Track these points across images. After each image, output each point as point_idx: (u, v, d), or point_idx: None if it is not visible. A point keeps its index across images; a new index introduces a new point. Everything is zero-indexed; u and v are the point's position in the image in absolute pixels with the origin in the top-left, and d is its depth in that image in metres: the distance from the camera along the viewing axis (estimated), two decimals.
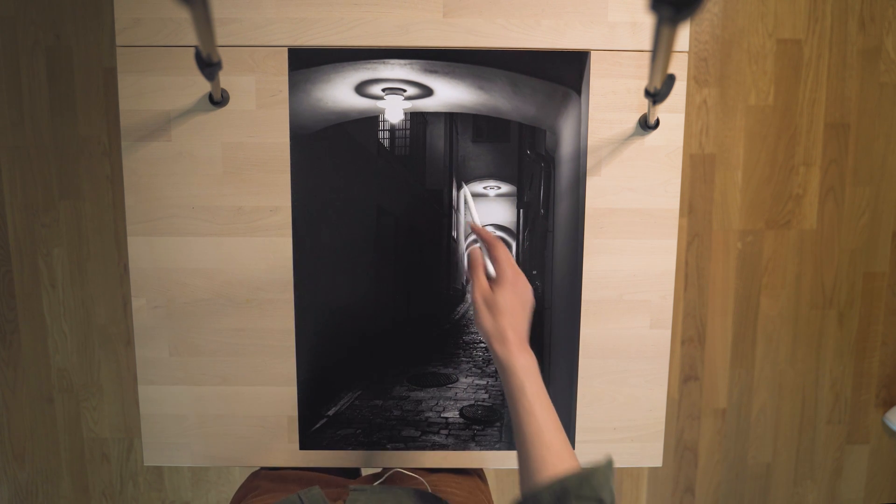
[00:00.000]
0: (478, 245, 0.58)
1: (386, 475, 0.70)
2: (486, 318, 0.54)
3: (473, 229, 0.60)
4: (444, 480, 0.71)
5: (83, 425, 1.48)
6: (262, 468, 0.76)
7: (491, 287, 0.55)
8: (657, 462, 0.75)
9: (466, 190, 0.62)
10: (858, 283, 1.48)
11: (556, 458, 0.48)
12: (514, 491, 1.53)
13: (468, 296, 0.73)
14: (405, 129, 0.69)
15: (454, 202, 0.71)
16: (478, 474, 0.78)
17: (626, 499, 1.55)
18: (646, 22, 0.68)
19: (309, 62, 0.68)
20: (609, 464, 0.47)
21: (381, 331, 0.72)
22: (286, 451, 0.74)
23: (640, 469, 1.55)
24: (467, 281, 0.59)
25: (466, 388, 0.73)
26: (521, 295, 0.55)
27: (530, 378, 0.51)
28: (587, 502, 0.44)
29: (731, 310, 1.48)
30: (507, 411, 0.73)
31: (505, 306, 0.53)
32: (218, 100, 0.67)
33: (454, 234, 0.72)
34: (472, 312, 0.73)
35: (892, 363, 1.52)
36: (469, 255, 0.58)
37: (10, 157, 1.37)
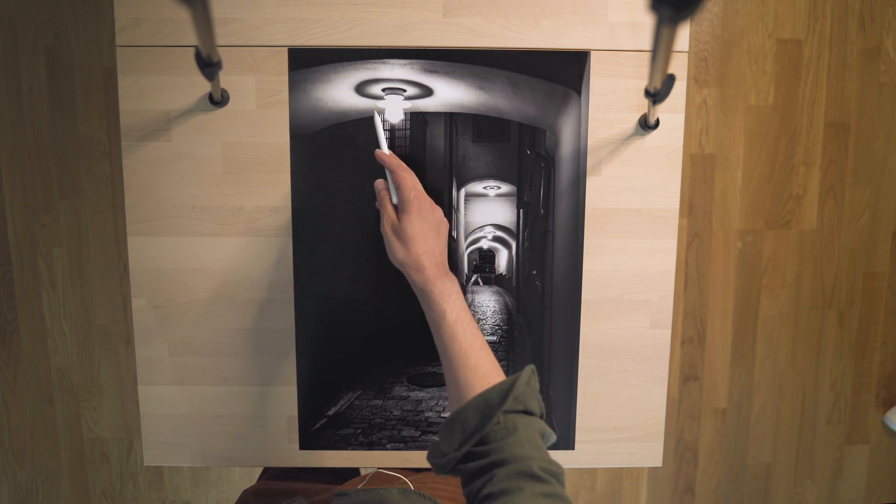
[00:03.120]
0: (381, 179, 0.56)
1: (368, 476, 0.70)
2: (398, 248, 0.52)
3: (378, 158, 0.57)
4: (429, 477, 0.71)
5: (83, 425, 1.48)
6: (263, 474, 0.75)
7: (398, 217, 0.53)
8: (657, 462, 0.75)
9: (377, 115, 0.60)
10: (858, 283, 1.48)
11: (482, 380, 0.46)
12: None
13: (468, 296, 0.73)
14: (405, 129, 0.69)
15: (454, 202, 0.71)
16: None
17: (626, 499, 1.55)
18: (646, 22, 0.68)
19: (309, 62, 0.68)
20: (530, 371, 0.46)
21: (381, 331, 0.72)
22: (286, 451, 0.74)
23: (640, 469, 1.55)
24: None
25: None
26: (430, 219, 0.53)
27: (450, 302, 0.50)
28: (514, 414, 0.43)
29: (731, 310, 1.48)
30: None
31: (415, 233, 0.52)
32: (218, 100, 0.67)
33: (454, 234, 0.72)
34: (471, 312, 0.73)
35: (892, 363, 1.52)
36: (375, 186, 0.56)
37: (10, 157, 1.37)
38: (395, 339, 0.73)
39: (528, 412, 0.44)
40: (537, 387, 0.46)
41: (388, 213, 0.54)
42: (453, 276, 0.52)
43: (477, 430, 0.43)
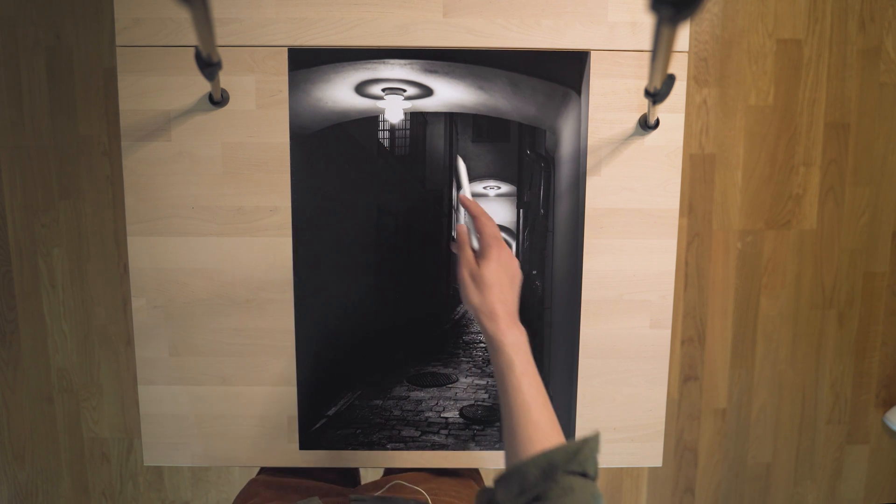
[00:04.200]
0: (463, 223, 0.57)
1: (388, 486, 0.70)
2: (473, 293, 0.53)
3: (461, 201, 0.58)
4: (444, 490, 0.71)
5: (83, 425, 1.48)
6: (261, 474, 0.76)
7: (477, 261, 0.54)
8: (657, 462, 0.75)
9: (461, 161, 0.61)
10: (858, 283, 1.48)
11: (544, 437, 0.47)
12: None
13: None
14: (405, 129, 0.69)
15: (454, 202, 0.71)
16: (475, 480, 0.78)
17: (626, 499, 1.55)
18: (646, 22, 0.68)
19: (309, 62, 0.68)
20: (596, 437, 0.46)
21: (381, 331, 0.72)
22: (286, 451, 0.74)
23: (640, 469, 1.55)
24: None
25: (466, 388, 0.73)
26: (508, 268, 0.54)
27: (519, 354, 0.50)
28: (573, 476, 0.43)
29: (731, 310, 1.48)
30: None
31: (492, 280, 0.52)
32: (218, 100, 0.67)
33: (454, 234, 0.72)
34: (471, 312, 0.73)
35: (892, 363, 1.52)
36: (456, 231, 0.57)
37: (10, 157, 1.37)
38: (395, 339, 0.73)
39: (585, 474, 0.45)
40: (598, 451, 0.47)
41: (468, 258, 0.54)
42: (523, 328, 0.53)
43: (536, 486, 0.44)
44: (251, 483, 0.73)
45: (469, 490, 0.73)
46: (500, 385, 0.51)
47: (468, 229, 0.57)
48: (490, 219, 0.56)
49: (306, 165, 0.69)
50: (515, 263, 0.55)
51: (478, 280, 0.53)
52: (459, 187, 0.59)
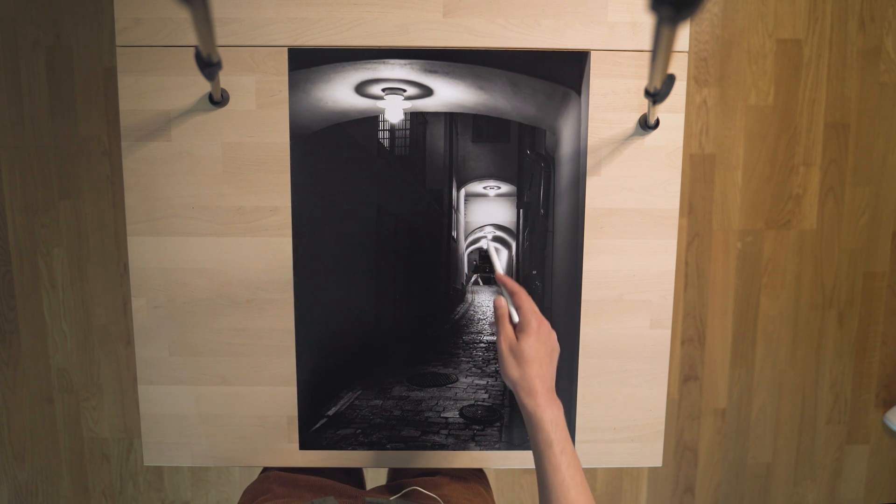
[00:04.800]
0: (501, 294, 0.58)
1: (403, 491, 0.70)
2: (512, 367, 0.53)
3: (498, 279, 0.59)
4: (456, 498, 0.70)
5: (83, 425, 1.48)
6: (272, 470, 0.75)
7: (516, 336, 0.54)
8: (657, 462, 0.75)
9: (490, 242, 0.63)
10: (858, 283, 1.48)
11: None
12: (514, 491, 1.53)
13: (468, 296, 0.73)
14: (405, 129, 0.69)
15: (454, 202, 0.71)
16: (483, 487, 0.77)
17: (626, 499, 1.55)
18: (646, 22, 0.68)
19: (309, 62, 0.68)
20: None
21: (381, 330, 0.72)
22: (286, 451, 0.74)
23: (640, 469, 1.55)
24: (492, 331, 0.58)
25: (466, 388, 0.73)
26: (547, 343, 0.54)
27: (559, 432, 0.51)
28: None
29: (731, 310, 1.48)
30: (506, 411, 0.73)
31: (531, 355, 0.52)
32: (218, 100, 0.67)
33: (454, 234, 0.72)
34: (471, 312, 0.73)
35: (892, 363, 1.52)
36: (494, 305, 0.57)
37: (10, 157, 1.37)
38: (395, 339, 0.73)
39: None
40: None
41: (507, 332, 0.55)
42: (560, 403, 0.53)
43: None
44: (263, 479, 0.73)
45: (480, 499, 0.73)
46: (537, 461, 0.51)
47: (507, 303, 0.57)
48: (526, 293, 0.56)
49: (306, 165, 0.69)
50: (554, 337, 0.56)
51: (518, 355, 0.53)
52: (493, 269, 0.61)
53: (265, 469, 0.79)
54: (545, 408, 0.51)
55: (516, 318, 0.56)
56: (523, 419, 0.54)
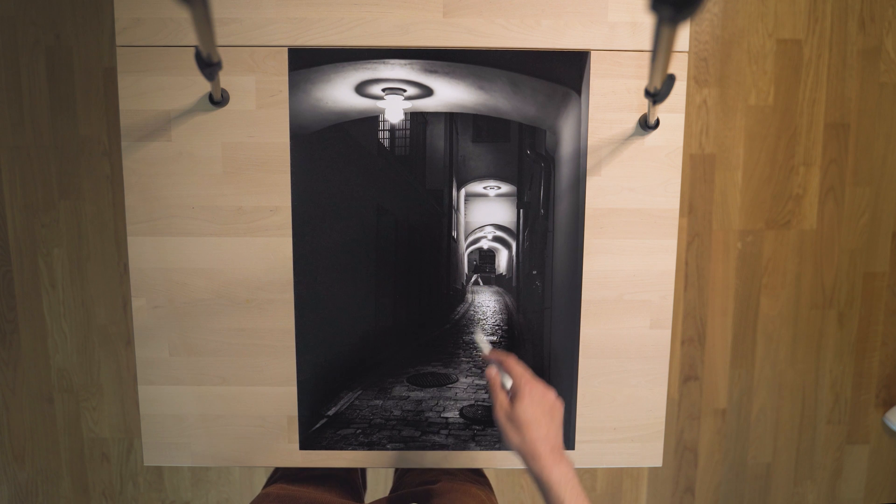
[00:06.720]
0: (492, 365, 0.58)
1: None
2: (512, 434, 0.53)
3: (487, 358, 0.60)
4: None
5: (83, 425, 1.48)
6: (272, 485, 0.75)
7: (511, 402, 0.54)
8: (657, 462, 0.75)
9: (479, 335, 0.65)
10: (858, 283, 1.48)
11: None
12: (514, 491, 1.53)
13: (468, 296, 0.73)
14: (405, 129, 0.69)
15: (454, 202, 0.71)
16: (483, 490, 0.77)
17: (626, 499, 1.55)
18: (646, 22, 0.68)
19: (309, 62, 0.68)
20: None
21: (381, 330, 0.72)
22: (286, 451, 0.74)
23: (640, 469, 1.55)
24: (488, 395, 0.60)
25: (466, 388, 0.73)
26: (543, 402, 0.54)
27: (568, 490, 0.50)
28: None
29: (731, 310, 1.48)
30: None
31: (528, 419, 0.52)
32: (218, 100, 0.67)
33: (454, 234, 0.72)
34: (471, 312, 0.73)
35: (892, 363, 1.52)
36: (486, 376, 0.58)
37: (10, 157, 1.37)
38: (395, 339, 0.73)
39: None
40: None
41: (501, 401, 0.55)
42: (569, 460, 0.53)
43: None
44: (262, 497, 0.72)
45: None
46: None
47: (497, 371, 0.57)
48: (515, 359, 0.57)
49: (306, 165, 0.69)
50: (552, 394, 0.56)
51: (515, 421, 0.53)
52: (481, 351, 0.63)
53: (271, 479, 0.79)
54: (552, 468, 0.51)
55: (509, 385, 0.56)
56: (534, 484, 0.53)
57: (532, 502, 1.54)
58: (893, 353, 1.51)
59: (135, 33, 0.67)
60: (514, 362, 0.56)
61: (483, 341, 0.64)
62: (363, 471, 0.92)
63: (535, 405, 0.53)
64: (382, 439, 0.73)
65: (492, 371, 0.57)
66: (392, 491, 0.83)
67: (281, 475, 0.80)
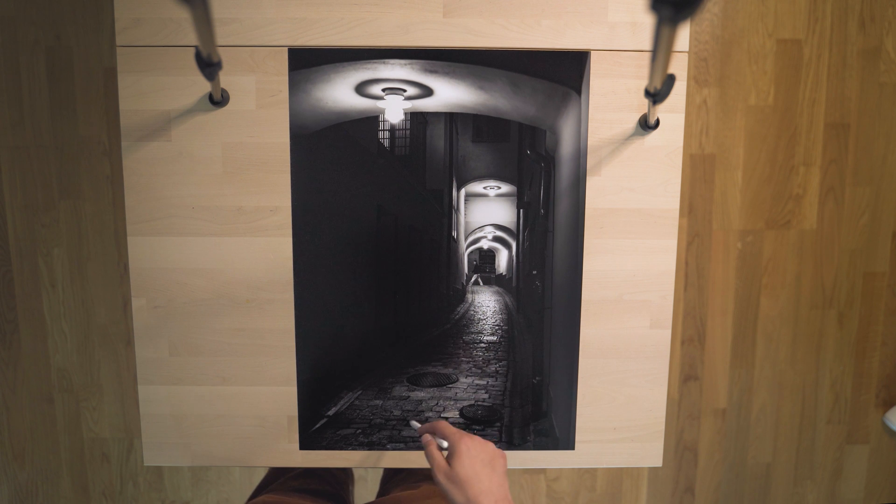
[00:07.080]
0: (425, 434, 0.60)
1: None
2: (456, 494, 0.52)
3: (420, 431, 0.62)
4: None
5: (83, 425, 1.48)
6: (259, 496, 0.75)
7: (449, 462, 0.54)
8: (657, 462, 0.75)
9: (413, 422, 0.69)
10: (858, 283, 1.48)
11: None
12: (514, 491, 1.53)
13: (468, 296, 0.73)
14: (405, 129, 0.69)
15: (454, 202, 0.71)
16: None
17: (626, 499, 1.55)
18: (646, 22, 0.68)
19: (309, 62, 0.68)
20: None
21: (381, 330, 0.72)
22: (286, 451, 0.74)
23: (640, 469, 1.55)
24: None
25: (466, 388, 0.73)
26: (480, 456, 0.54)
27: None
28: None
29: (731, 310, 1.48)
30: (506, 411, 0.73)
31: (468, 475, 0.52)
32: (218, 100, 0.67)
33: (454, 233, 0.72)
34: (471, 312, 0.73)
35: (892, 363, 1.52)
36: (422, 442, 0.59)
37: (10, 157, 1.37)
38: (394, 338, 0.73)
39: None
40: None
41: (438, 462, 0.55)
42: None
43: None
44: None
45: None
46: None
47: (431, 437, 0.59)
48: (445, 422, 0.59)
49: (306, 165, 0.69)
50: (489, 447, 0.56)
51: (455, 480, 0.53)
52: (414, 430, 0.70)
53: (261, 486, 0.79)
54: None
55: (444, 445, 0.57)
56: None
57: (532, 502, 1.54)
58: (893, 353, 1.51)
59: (135, 33, 0.67)
60: (444, 424, 0.58)
61: (415, 425, 0.68)
62: (353, 488, 0.93)
63: (474, 459, 0.53)
64: (382, 439, 0.73)
65: (427, 437, 0.58)
66: (378, 496, 0.83)
67: (271, 489, 0.80)
